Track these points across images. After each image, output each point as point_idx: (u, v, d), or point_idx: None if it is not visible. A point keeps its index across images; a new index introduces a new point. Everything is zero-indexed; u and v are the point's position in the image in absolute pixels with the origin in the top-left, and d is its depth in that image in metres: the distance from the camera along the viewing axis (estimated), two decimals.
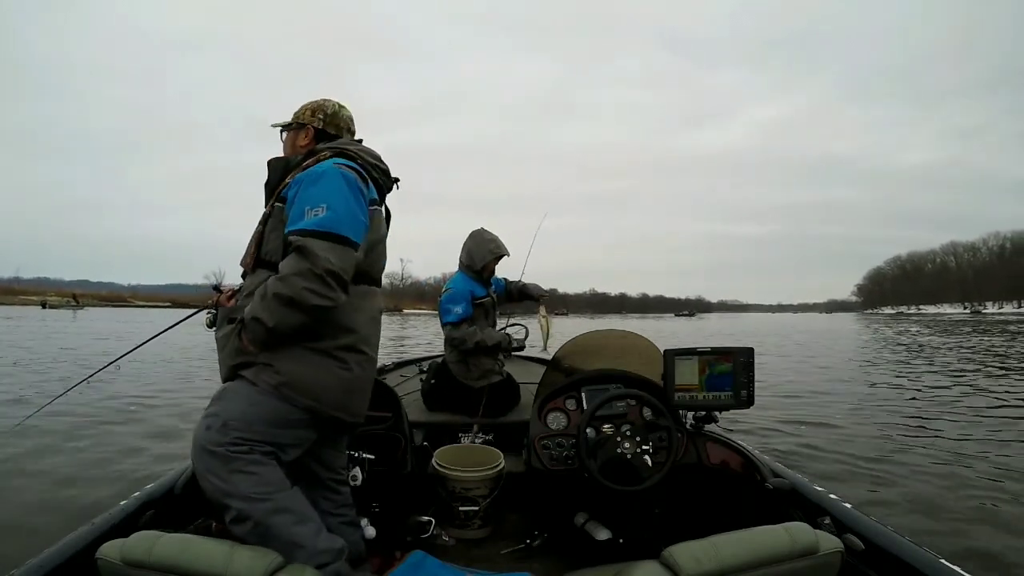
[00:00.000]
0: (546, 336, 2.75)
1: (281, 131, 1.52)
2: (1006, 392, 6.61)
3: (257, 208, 1.40)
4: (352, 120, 1.52)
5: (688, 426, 1.85)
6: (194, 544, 0.94)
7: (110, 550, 0.94)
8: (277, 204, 1.30)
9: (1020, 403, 5.91)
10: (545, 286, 2.96)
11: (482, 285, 2.66)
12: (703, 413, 1.80)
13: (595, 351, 2.10)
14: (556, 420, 1.88)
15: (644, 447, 1.64)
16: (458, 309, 2.54)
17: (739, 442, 1.85)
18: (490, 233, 2.68)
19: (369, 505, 1.81)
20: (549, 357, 2.20)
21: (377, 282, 1.44)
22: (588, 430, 1.69)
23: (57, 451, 3.73)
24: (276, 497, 1.16)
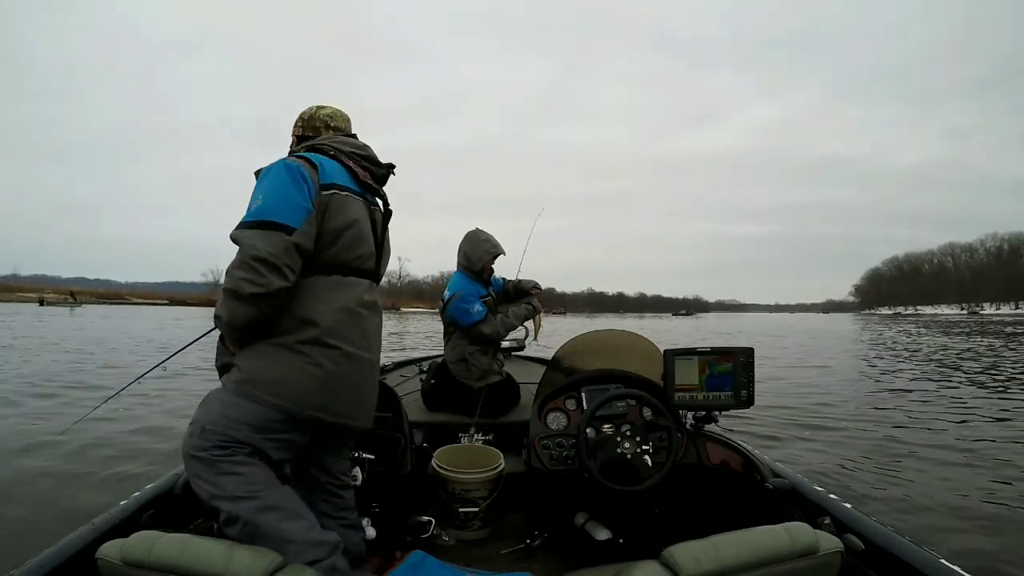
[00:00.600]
0: (537, 327, 2.81)
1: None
2: (1007, 392, 6.64)
3: None
4: (333, 116, 1.51)
5: (688, 426, 1.85)
6: (194, 544, 0.93)
7: (110, 550, 0.93)
8: None
9: (1020, 403, 5.93)
10: (543, 285, 2.97)
11: (482, 285, 2.67)
12: (703, 413, 1.80)
13: (595, 351, 2.09)
14: (556, 420, 1.88)
15: (644, 447, 1.64)
16: (478, 307, 2.55)
17: (739, 442, 1.85)
18: (485, 233, 2.68)
19: (369, 505, 1.80)
20: (539, 348, 2.20)
21: (356, 271, 1.36)
22: (588, 430, 1.69)
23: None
24: (262, 495, 1.15)
